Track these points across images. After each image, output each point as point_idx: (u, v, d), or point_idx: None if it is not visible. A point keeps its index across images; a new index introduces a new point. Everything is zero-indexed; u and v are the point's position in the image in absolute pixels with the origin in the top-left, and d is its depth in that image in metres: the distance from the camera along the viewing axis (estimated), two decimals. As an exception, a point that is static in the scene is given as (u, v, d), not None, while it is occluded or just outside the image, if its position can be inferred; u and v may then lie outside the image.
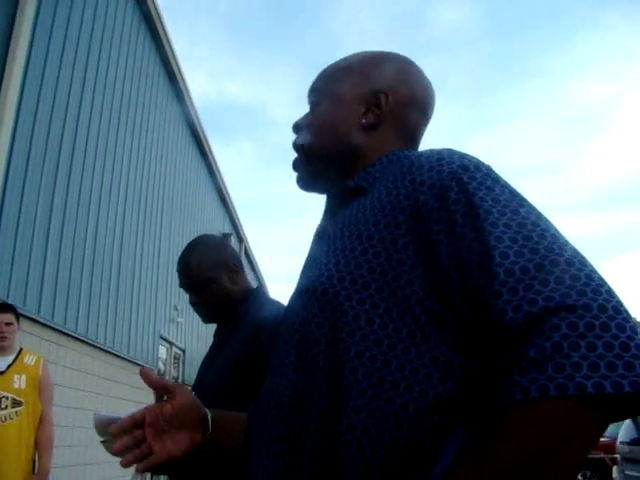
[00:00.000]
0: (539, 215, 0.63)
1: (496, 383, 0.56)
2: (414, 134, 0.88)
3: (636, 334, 0.51)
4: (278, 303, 1.56)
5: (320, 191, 0.91)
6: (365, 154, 0.83)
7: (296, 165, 0.89)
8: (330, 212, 0.87)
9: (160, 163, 8.02)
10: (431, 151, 0.71)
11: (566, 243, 0.59)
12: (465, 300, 0.60)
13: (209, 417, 0.89)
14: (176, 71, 8.35)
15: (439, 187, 0.65)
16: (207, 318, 1.64)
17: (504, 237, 0.59)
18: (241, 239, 13.77)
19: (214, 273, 1.57)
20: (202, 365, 1.66)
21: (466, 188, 0.64)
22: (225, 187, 11.77)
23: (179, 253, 1.65)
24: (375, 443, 0.60)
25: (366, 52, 0.91)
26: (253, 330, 1.44)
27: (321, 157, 0.85)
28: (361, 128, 0.83)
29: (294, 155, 0.90)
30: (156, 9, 7.36)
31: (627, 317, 0.52)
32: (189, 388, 1.55)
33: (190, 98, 9.00)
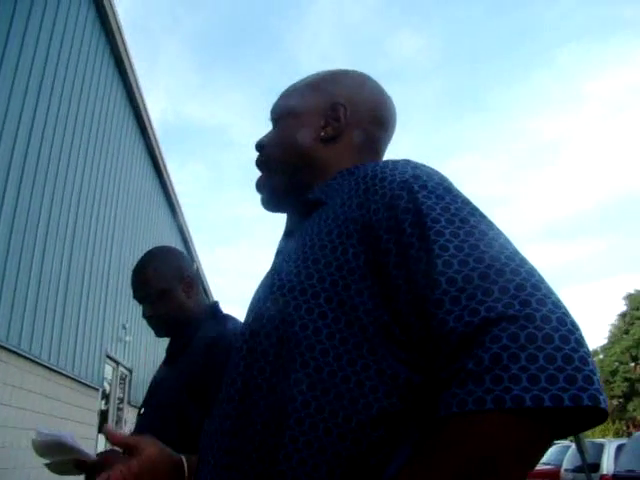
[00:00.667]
0: (490, 224, 0.63)
1: (437, 395, 0.54)
2: (375, 147, 0.88)
3: (581, 346, 0.50)
4: (234, 319, 1.53)
5: (283, 210, 0.90)
6: (325, 167, 0.83)
7: (259, 185, 0.89)
8: (290, 229, 0.87)
9: (114, 179, 7.91)
10: (386, 162, 0.72)
11: (515, 253, 0.59)
12: (412, 310, 0.59)
13: (184, 463, 0.86)
14: (134, 88, 8.32)
15: (390, 196, 0.65)
16: (160, 332, 1.60)
17: (449, 245, 0.58)
18: (193, 259, 13.62)
19: (169, 285, 1.54)
20: (152, 382, 1.61)
21: (416, 197, 0.63)
22: (179, 206, 11.67)
23: (130, 271, 1.61)
24: (316, 457, 0.59)
25: (324, 70, 0.92)
26: (208, 346, 1.41)
27: (283, 171, 0.86)
28: (321, 141, 0.84)
29: (257, 175, 0.90)
30: (118, 25, 7.35)
31: (572, 329, 0.51)
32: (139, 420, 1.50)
33: (148, 115, 8.96)
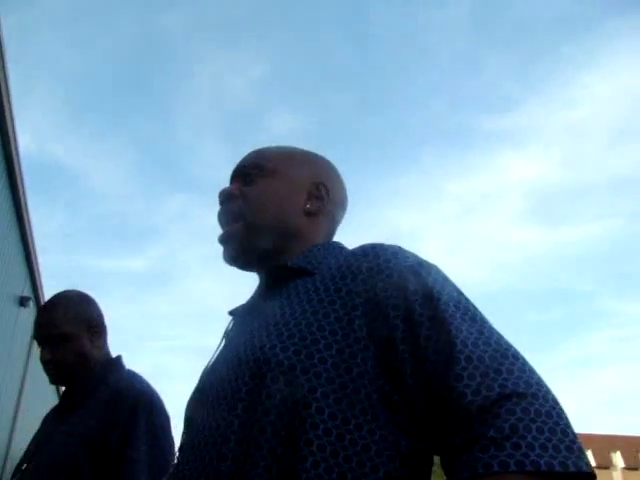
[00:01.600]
0: (482, 314, 0.71)
1: (450, 460, 0.61)
2: (335, 229, 0.96)
3: (569, 420, 0.61)
4: (140, 376, 1.48)
5: (247, 267, 0.91)
6: (302, 238, 0.88)
7: (228, 239, 0.89)
8: (261, 291, 0.89)
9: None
10: (382, 244, 0.78)
11: (509, 342, 0.68)
12: (418, 382, 0.65)
13: None
14: (6, 106, 7.71)
15: (397, 277, 0.71)
16: (55, 378, 1.50)
17: (462, 328, 0.66)
18: (39, 306, 12.45)
19: (75, 330, 1.47)
20: (40, 433, 1.49)
21: (424, 281, 0.71)
22: (34, 248, 10.74)
23: None
24: None
25: (303, 149, 0.99)
26: (112, 400, 1.35)
27: (262, 232, 0.87)
28: (303, 212, 0.90)
29: (217, 227, 0.91)
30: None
31: (561, 407, 0.62)
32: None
33: (16, 143, 8.31)
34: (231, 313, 0.93)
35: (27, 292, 10.99)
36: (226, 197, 0.91)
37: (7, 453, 11.03)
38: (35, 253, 10.90)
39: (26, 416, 12.09)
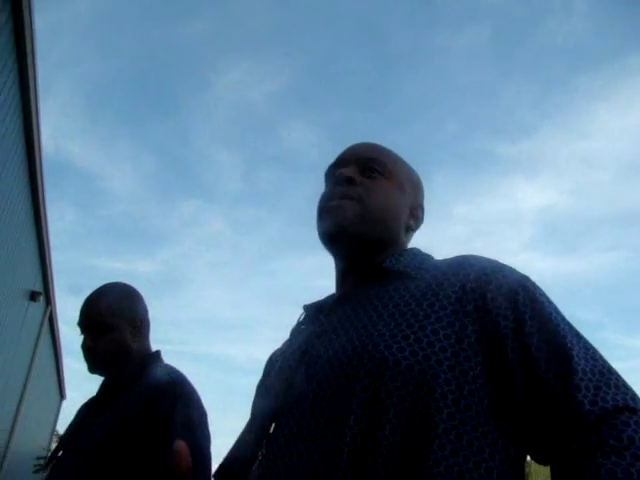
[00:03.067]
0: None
1: (565, 465, 0.64)
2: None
3: None
4: (178, 370, 1.50)
5: (344, 249, 0.89)
6: (394, 245, 0.91)
7: (337, 210, 0.87)
8: (351, 288, 0.88)
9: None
10: (488, 258, 0.82)
11: (605, 359, 0.72)
12: (528, 390, 0.69)
13: None
14: (32, 105, 7.92)
15: (507, 289, 0.75)
16: (94, 367, 1.53)
17: (574, 342, 0.71)
18: (48, 302, 12.63)
19: (117, 322, 1.51)
20: (77, 421, 1.53)
21: (533, 295, 0.75)
22: (48, 244, 10.93)
23: None
24: None
25: (410, 166, 1.01)
26: (151, 393, 1.37)
27: (377, 222, 0.88)
28: (405, 226, 0.94)
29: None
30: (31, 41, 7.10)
31: None
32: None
33: (39, 139, 8.51)
34: (307, 308, 0.93)
35: (38, 287, 11.16)
36: (346, 180, 0.90)
37: (8, 442, 11.16)
38: (49, 250, 11.09)
39: (29, 409, 12.23)
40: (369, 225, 0.87)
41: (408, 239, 0.96)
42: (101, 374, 1.55)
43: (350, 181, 0.89)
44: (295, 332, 0.94)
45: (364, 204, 0.87)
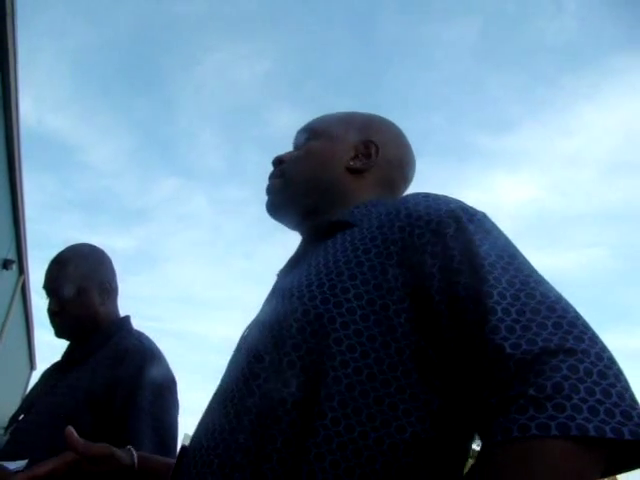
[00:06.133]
0: (531, 265, 0.64)
1: (485, 422, 0.53)
2: (393, 190, 0.92)
3: (628, 384, 0.52)
4: (147, 336, 1.46)
5: (286, 221, 0.91)
6: (345, 195, 0.86)
7: (270, 190, 0.91)
8: (302, 249, 0.87)
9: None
10: (427, 193, 0.73)
11: (560, 295, 0.60)
12: (455, 335, 0.59)
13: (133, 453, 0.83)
14: (12, 78, 7.80)
15: (437, 222, 0.65)
16: (61, 332, 1.47)
17: (502, 279, 0.59)
18: (22, 271, 12.53)
19: (85, 284, 1.44)
20: (40, 385, 1.48)
21: (465, 226, 0.64)
22: (23, 213, 10.82)
23: None
24: (343, 478, 0.56)
25: (362, 112, 0.97)
26: (118, 357, 1.33)
27: (301, 183, 0.87)
28: (346, 169, 0.87)
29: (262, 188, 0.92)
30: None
31: (620, 369, 0.53)
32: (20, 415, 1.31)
33: (17, 106, 8.38)
34: (278, 274, 0.90)
35: (11, 256, 11.06)
36: (274, 162, 0.94)
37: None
38: (24, 218, 10.98)
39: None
40: (295, 191, 0.88)
41: (364, 183, 0.88)
42: (68, 339, 1.49)
43: (279, 161, 0.93)
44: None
45: (285, 176, 0.90)
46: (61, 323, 1.46)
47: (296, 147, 0.95)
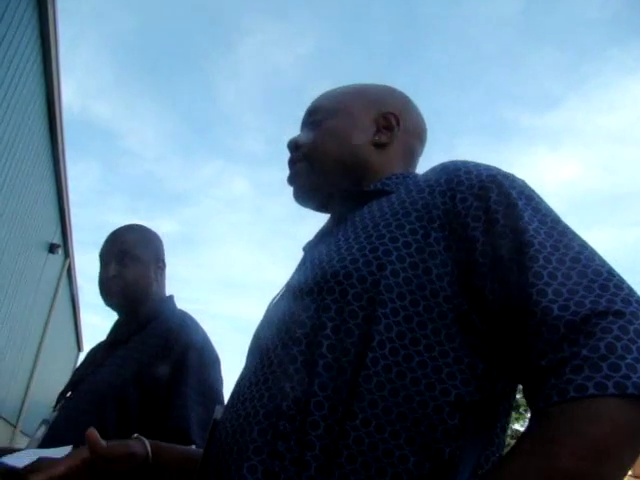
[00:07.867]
0: (574, 230, 0.63)
1: (534, 384, 0.54)
2: (414, 158, 0.91)
3: None
4: (192, 317, 1.47)
5: (316, 204, 0.89)
6: (372, 169, 0.84)
7: (294, 178, 0.88)
8: (336, 221, 0.84)
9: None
10: (464, 160, 0.72)
11: (604, 259, 0.60)
12: (499, 298, 0.59)
13: (146, 443, 0.76)
14: (54, 66, 7.95)
15: (479, 187, 0.65)
16: (112, 299, 1.46)
17: (546, 244, 0.59)
18: (67, 255, 12.86)
19: (146, 255, 1.48)
20: (87, 362, 1.51)
21: (508, 192, 0.64)
22: (67, 198, 11.08)
23: None
24: (389, 442, 0.56)
25: (371, 83, 0.94)
26: (165, 337, 1.35)
27: (329, 164, 0.85)
28: (372, 144, 0.86)
29: (287, 172, 0.90)
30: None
31: None
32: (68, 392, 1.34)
33: (60, 102, 8.55)
34: (304, 248, 0.88)
35: (57, 240, 11.36)
36: (290, 147, 0.91)
37: (27, 391, 11.55)
38: (68, 203, 11.24)
39: (47, 359, 12.59)
40: (324, 173, 0.85)
41: (390, 156, 0.87)
42: (117, 308, 1.50)
43: (294, 146, 0.90)
44: None
45: (310, 159, 0.87)
46: (115, 289, 1.45)
47: (308, 128, 0.91)
